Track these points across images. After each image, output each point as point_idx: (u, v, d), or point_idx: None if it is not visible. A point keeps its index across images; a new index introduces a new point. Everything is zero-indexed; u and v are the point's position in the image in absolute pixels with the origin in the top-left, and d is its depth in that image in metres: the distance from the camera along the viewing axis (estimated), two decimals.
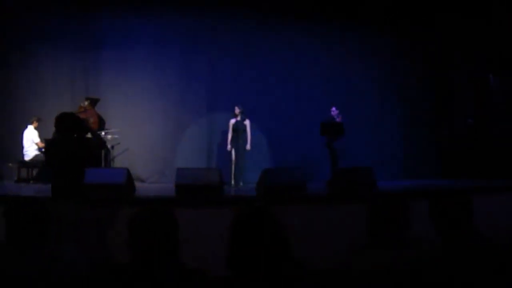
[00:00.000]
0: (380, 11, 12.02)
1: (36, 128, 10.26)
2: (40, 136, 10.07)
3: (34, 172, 10.21)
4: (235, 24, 11.89)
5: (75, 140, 5.07)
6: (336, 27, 12.23)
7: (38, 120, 10.22)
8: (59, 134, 5.12)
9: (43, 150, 9.29)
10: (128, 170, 7.78)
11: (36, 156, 9.99)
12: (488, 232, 2.96)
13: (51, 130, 7.34)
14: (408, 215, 2.93)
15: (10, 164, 10.51)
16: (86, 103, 10.75)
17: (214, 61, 11.85)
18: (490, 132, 10.91)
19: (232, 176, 10.33)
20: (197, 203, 6.93)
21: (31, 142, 10.18)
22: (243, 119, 10.44)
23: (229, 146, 10.46)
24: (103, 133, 10.61)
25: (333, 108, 10.43)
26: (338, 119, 10.30)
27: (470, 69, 11.73)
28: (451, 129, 12.25)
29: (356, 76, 12.32)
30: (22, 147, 10.25)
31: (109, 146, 10.79)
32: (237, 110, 10.42)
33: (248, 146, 10.40)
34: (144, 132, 11.36)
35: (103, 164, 10.37)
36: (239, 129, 10.40)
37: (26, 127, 10.29)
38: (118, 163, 10.92)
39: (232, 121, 10.47)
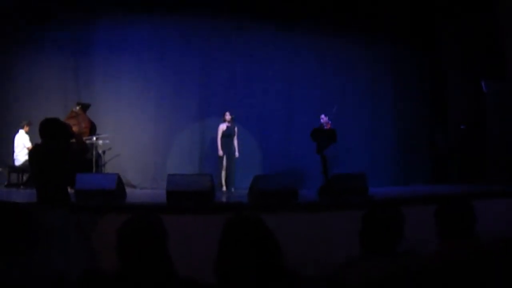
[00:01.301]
0: (376, 17, 12.06)
1: (27, 133, 10.16)
2: (31, 140, 9.93)
3: (25, 177, 10.10)
4: (229, 30, 11.87)
5: (57, 146, 4.99)
6: (331, 33, 12.21)
7: (29, 124, 10.06)
8: (43, 140, 5.04)
9: None
10: (119, 176, 7.78)
11: (26, 161, 9.68)
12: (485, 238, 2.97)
13: None
14: (402, 224, 2.88)
15: (0, 169, 10.40)
16: (78, 108, 10.76)
17: (206, 67, 11.79)
18: (484, 137, 10.96)
19: (224, 182, 10.30)
20: (189, 209, 6.86)
21: (22, 146, 10.07)
22: (234, 125, 10.44)
23: (221, 152, 10.37)
24: (94, 138, 10.54)
25: (322, 116, 10.29)
26: (326, 127, 10.20)
27: (464, 74, 11.85)
28: (444, 135, 12.30)
29: (350, 82, 12.33)
30: (13, 152, 10.15)
31: (100, 151, 10.73)
32: (228, 116, 10.38)
33: (236, 153, 10.40)
34: (135, 137, 11.26)
35: (94, 169, 10.32)
36: (231, 134, 10.38)
37: (17, 131, 10.19)
38: (109, 168, 10.86)
39: (223, 126, 10.40)
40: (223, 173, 10.34)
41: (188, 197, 7.42)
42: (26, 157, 9.74)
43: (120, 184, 7.75)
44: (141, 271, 2.34)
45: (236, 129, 10.46)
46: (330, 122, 10.22)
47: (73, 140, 9.81)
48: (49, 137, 4.99)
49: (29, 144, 10.00)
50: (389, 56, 12.63)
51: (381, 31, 12.32)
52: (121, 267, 2.36)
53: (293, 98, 12.11)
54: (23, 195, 8.45)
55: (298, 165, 11.37)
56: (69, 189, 5.59)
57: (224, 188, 10.21)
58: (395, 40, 12.56)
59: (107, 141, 10.72)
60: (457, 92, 12.14)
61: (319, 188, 9.11)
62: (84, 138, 10.59)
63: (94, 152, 10.44)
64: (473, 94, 11.44)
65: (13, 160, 10.15)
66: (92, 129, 10.94)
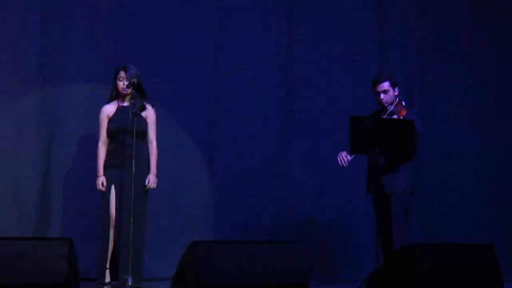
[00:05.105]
0: None
1: None
2: None
3: None
4: None
5: None
6: None
7: None
8: None
9: None
10: None
11: None
12: None
13: None
14: None
15: None
16: None
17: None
18: None
19: (108, 258, 8.84)
20: None
21: None
22: (139, 104, 8.59)
23: (101, 177, 8.79)
24: None
25: (384, 84, 8.86)
26: (392, 111, 8.79)
27: None
28: None
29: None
30: None
31: None
32: (123, 82, 8.49)
33: (151, 178, 8.76)
34: None
35: None
36: (127, 129, 8.53)
37: None
38: None
39: (109, 109, 8.81)
40: (111, 235, 8.84)
41: None
42: None
43: None
44: None
45: (149, 112, 8.87)
46: (404, 103, 8.78)
47: None
48: None
49: None
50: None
51: None
52: None
53: (296, 67, 11.50)
54: None
55: (308, 215, 10.71)
56: None
57: (107, 278, 8.75)
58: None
59: None
60: None
61: (368, 277, 8.15)
62: None
63: None
64: None
65: None
66: None
